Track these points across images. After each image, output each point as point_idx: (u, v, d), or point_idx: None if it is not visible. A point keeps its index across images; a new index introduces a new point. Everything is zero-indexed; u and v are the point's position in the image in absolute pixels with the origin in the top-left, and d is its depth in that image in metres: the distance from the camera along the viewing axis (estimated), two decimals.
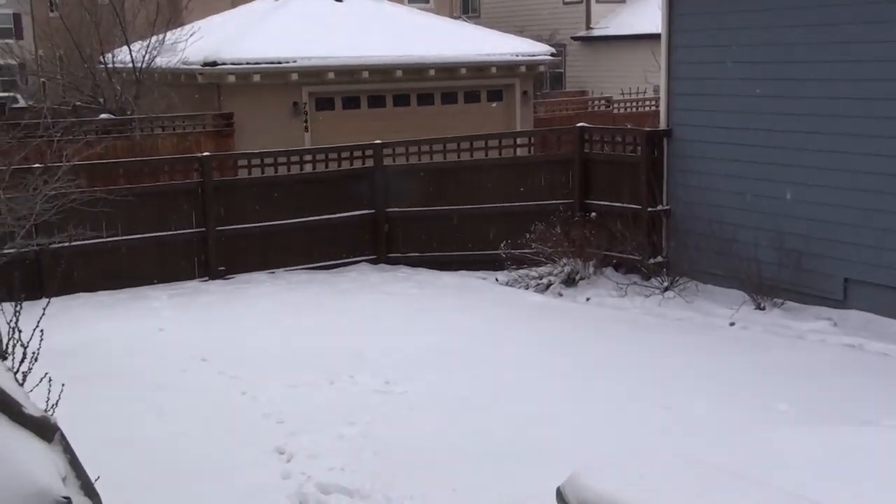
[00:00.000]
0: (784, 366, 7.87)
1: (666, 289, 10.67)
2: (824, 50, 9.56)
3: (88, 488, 3.18)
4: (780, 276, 9.78)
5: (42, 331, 5.26)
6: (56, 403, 4.70)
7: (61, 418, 3.77)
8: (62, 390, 4.80)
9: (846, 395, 7.05)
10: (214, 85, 16.42)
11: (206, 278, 11.95)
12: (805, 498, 3.64)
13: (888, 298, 9.11)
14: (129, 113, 16.01)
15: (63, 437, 3.35)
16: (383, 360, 8.10)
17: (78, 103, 17.11)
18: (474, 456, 6.07)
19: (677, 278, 10.75)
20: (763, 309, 9.79)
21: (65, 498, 2.73)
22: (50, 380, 4.77)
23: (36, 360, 5.20)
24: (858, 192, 9.33)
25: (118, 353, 8.43)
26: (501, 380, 7.59)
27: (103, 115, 15.65)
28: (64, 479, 3.06)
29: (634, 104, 21.92)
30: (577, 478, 3.84)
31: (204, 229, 11.96)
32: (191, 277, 11.92)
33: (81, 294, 11.00)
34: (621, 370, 7.82)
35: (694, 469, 4.01)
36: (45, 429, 3.27)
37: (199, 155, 12.48)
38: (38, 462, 2.96)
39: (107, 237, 11.34)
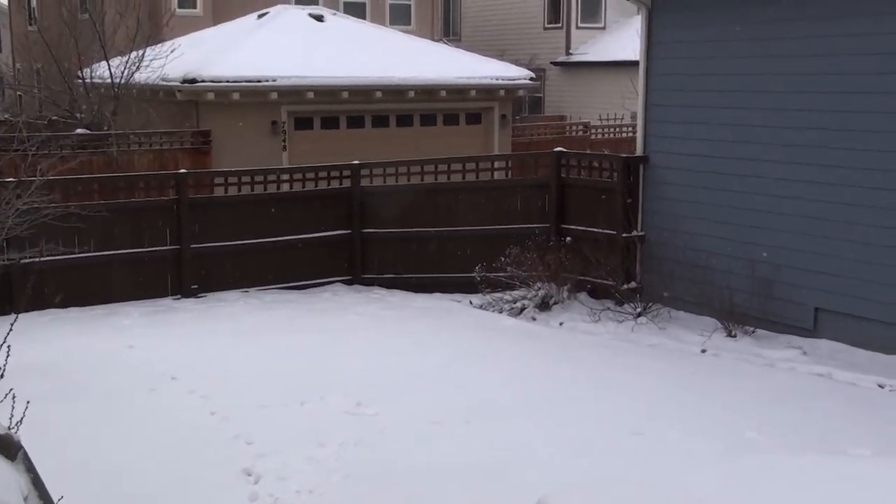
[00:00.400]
0: (754, 394, 7.90)
1: (639, 315, 10.71)
2: (798, 81, 9.69)
3: None
4: (751, 304, 9.85)
5: (9, 346, 5.22)
6: (20, 421, 4.65)
7: (26, 436, 3.73)
8: (27, 408, 4.75)
9: (815, 424, 7.09)
10: (193, 102, 16.37)
11: (179, 296, 11.87)
12: None
13: (857, 328, 9.21)
14: (105, 128, 15.92)
15: (26, 456, 3.31)
16: (355, 381, 8.06)
17: (54, 118, 17.00)
18: (445, 480, 6.05)
19: (650, 304, 10.81)
20: (734, 336, 9.85)
21: None
22: (14, 397, 4.72)
23: (2, 376, 5.15)
24: (830, 221, 9.44)
25: (87, 370, 8.34)
26: (473, 403, 7.56)
27: (79, 130, 15.55)
28: (26, 499, 3.03)
29: (612, 130, 22.07)
30: None
31: (178, 247, 11.90)
32: (163, 295, 11.84)
33: (52, 310, 10.89)
34: (592, 395, 7.82)
35: (662, 497, 4.01)
36: (7, 447, 3.24)
37: (176, 172, 12.44)
38: (0, 480, 2.92)
39: (79, 253, 11.26)
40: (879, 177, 8.99)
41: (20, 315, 6.14)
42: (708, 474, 5.46)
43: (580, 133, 21.75)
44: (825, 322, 9.58)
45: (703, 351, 9.52)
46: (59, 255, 10.67)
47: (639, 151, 11.69)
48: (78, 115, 16.63)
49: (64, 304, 11.07)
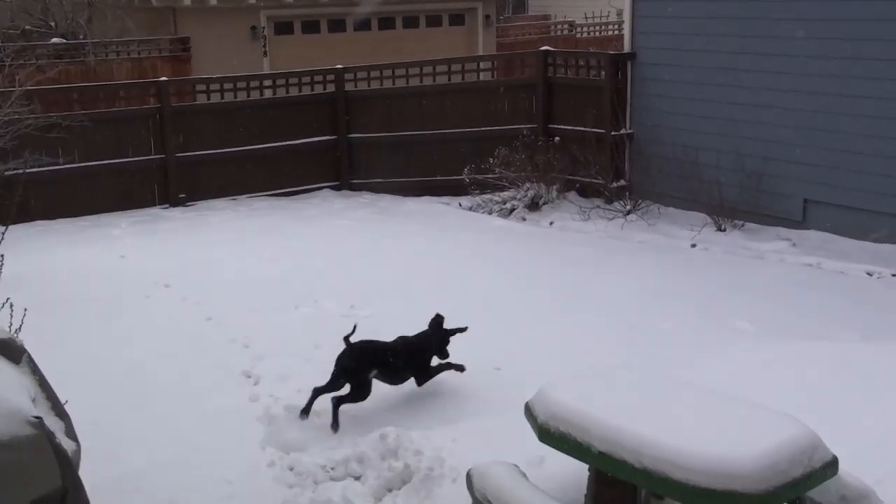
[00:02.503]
0: (744, 285, 7.99)
1: (629, 212, 10.74)
2: None
3: (58, 409, 3.17)
4: (740, 197, 9.87)
5: (2, 256, 5.19)
6: (19, 329, 4.66)
7: (25, 343, 3.74)
8: (25, 315, 4.76)
9: (804, 313, 7.19)
10: (170, 8, 16.01)
11: (167, 205, 11.82)
12: (756, 403, 3.74)
13: (845, 218, 9.27)
14: (81, 37, 15.57)
15: (31, 359, 3.32)
16: (348, 284, 8.09)
17: (27, 27, 16.60)
18: (442, 375, 6.13)
19: (640, 201, 10.82)
20: (724, 230, 9.91)
21: (36, 417, 2.72)
22: (11, 305, 4.72)
23: None
24: (817, 113, 9.41)
25: (79, 280, 8.35)
26: (467, 302, 7.61)
27: (55, 40, 15.21)
28: (34, 400, 3.05)
29: (597, 28, 21.77)
30: (545, 392, 3.91)
31: (163, 156, 11.79)
32: (151, 205, 11.79)
33: (40, 222, 10.84)
34: (586, 292, 7.89)
35: (653, 381, 4.10)
36: (12, 350, 3.25)
37: (156, 80, 12.24)
38: (7, 382, 2.94)
39: (63, 164, 11.15)
40: (864, 68, 8.91)
41: (9, 227, 6.08)
42: (700, 361, 5.58)
43: (565, 32, 21.44)
44: (813, 213, 9.63)
45: (693, 245, 9.59)
46: (44, 166, 10.54)
47: (626, 48, 11.53)
48: (52, 24, 16.25)
49: (51, 216, 11.01)
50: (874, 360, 5.57)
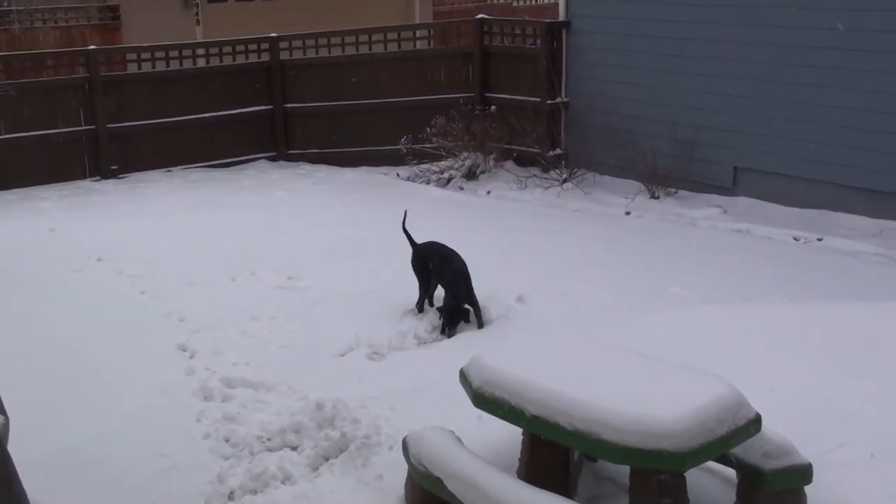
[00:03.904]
0: (677, 252, 8.14)
1: (565, 180, 10.83)
2: None
3: None
4: (674, 165, 10.03)
5: None
6: None
7: None
8: None
9: (734, 277, 7.36)
10: None
11: (98, 178, 11.59)
12: (684, 364, 3.83)
13: (773, 184, 9.49)
14: (5, 4, 15.13)
15: None
16: (285, 256, 8.05)
17: None
18: (378, 346, 6.16)
19: (576, 170, 10.92)
20: (657, 198, 10.06)
21: None
22: None
23: None
24: (747, 80, 9.58)
25: (7, 254, 8.16)
26: (404, 273, 7.62)
27: None
28: None
29: None
30: (479, 357, 3.96)
31: (93, 127, 11.55)
32: (82, 177, 11.55)
33: None
34: (521, 259, 7.97)
35: (586, 345, 4.18)
36: None
37: (85, 48, 11.95)
38: None
39: None
40: (798, 35, 9.08)
41: None
42: (633, 326, 5.69)
43: (501, 1, 21.40)
44: (743, 180, 9.84)
45: (628, 213, 9.73)
46: None
47: (561, 16, 11.58)
48: None
49: None
50: (800, 321, 5.72)
